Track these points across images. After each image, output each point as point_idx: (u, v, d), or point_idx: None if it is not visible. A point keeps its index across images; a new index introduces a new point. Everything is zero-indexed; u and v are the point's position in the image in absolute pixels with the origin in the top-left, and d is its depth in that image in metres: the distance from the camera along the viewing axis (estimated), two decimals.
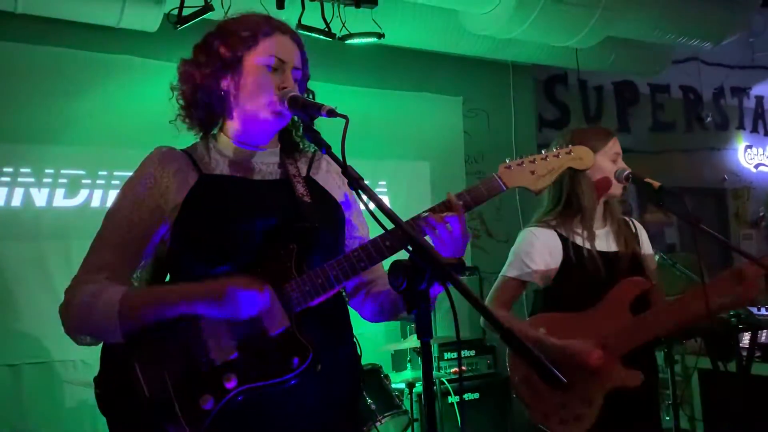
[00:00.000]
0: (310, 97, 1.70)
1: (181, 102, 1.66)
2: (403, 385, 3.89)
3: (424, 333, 1.19)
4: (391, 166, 5.16)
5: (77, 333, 1.52)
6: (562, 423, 2.20)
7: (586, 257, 2.29)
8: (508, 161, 1.63)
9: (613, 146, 2.35)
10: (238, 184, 1.60)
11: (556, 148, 1.68)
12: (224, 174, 1.61)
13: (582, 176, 2.26)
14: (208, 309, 1.43)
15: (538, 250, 2.31)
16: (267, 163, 1.66)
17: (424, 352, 1.21)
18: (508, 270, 2.35)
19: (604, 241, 2.36)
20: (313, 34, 3.84)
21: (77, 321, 1.50)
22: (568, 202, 2.33)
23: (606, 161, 2.32)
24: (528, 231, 2.37)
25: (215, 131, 1.68)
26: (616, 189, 2.35)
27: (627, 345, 2.21)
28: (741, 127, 7.75)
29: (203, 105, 1.62)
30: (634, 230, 2.46)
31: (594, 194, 2.32)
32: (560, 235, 2.32)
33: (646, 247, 2.49)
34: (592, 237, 2.32)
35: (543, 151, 1.65)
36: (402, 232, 1.24)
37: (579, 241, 2.32)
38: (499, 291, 2.35)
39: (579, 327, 2.22)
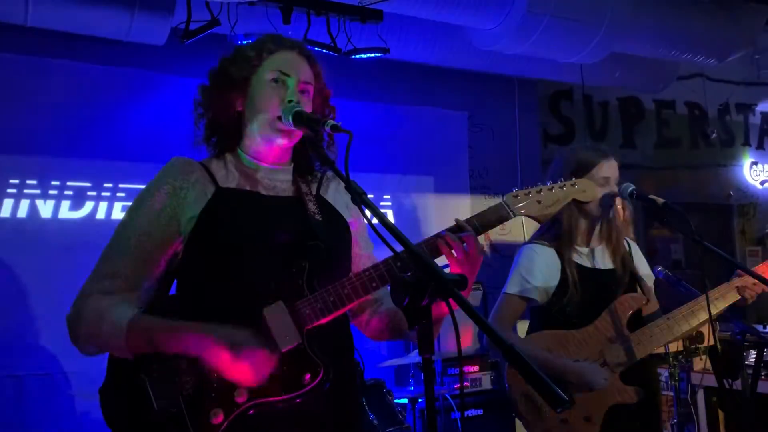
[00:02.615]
0: (332, 114, 1.72)
1: (200, 125, 1.69)
2: (405, 401, 3.87)
3: (426, 349, 1.19)
4: (395, 180, 5.17)
5: (83, 344, 1.53)
6: None
7: (584, 275, 2.32)
8: (515, 190, 1.68)
9: (600, 170, 2.36)
10: (253, 200, 1.62)
11: (561, 179, 1.72)
12: (240, 188, 1.62)
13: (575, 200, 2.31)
14: (217, 363, 1.43)
15: (539, 266, 2.34)
16: (281, 180, 1.68)
17: (426, 368, 1.21)
18: (510, 287, 2.37)
19: (601, 259, 2.40)
20: (318, 49, 3.87)
21: (85, 333, 1.51)
22: (558, 223, 2.36)
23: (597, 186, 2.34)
24: (528, 248, 2.40)
25: (231, 148, 1.70)
26: (606, 212, 2.37)
27: (626, 361, 2.24)
28: (746, 143, 7.73)
29: (220, 126, 1.66)
30: (628, 248, 2.49)
31: (574, 217, 2.34)
32: (558, 253, 2.35)
33: (641, 264, 2.52)
34: (590, 255, 2.36)
35: (548, 182, 1.71)
36: (405, 248, 1.25)
37: (576, 258, 2.34)
38: (501, 308, 2.36)
39: (578, 344, 2.26)
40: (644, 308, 2.41)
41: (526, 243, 2.45)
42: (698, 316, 2.34)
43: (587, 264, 2.35)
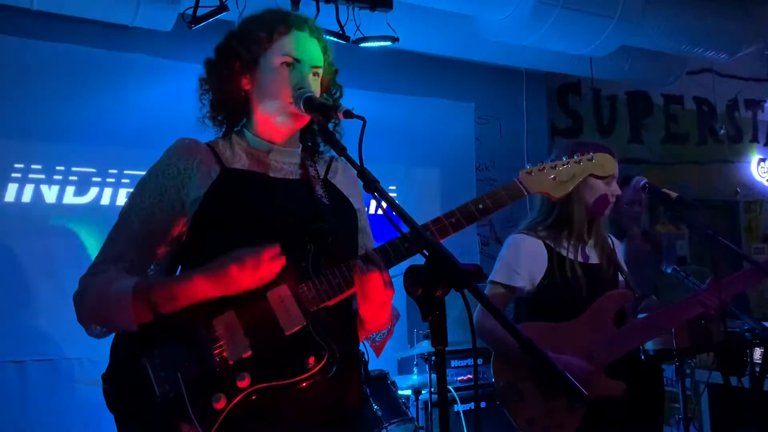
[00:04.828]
0: (337, 93, 1.70)
1: (205, 101, 1.66)
2: (409, 392, 3.86)
3: (439, 341, 1.17)
4: (401, 171, 5.13)
5: (90, 321, 1.51)
6: (545, 430, 2.23)
7: (570, 269, 2.32)
8: (529, 167, 1.62)
9: None
10: (259, 181, 1.59)
11: (578, 155, 1.67)
12: (246, 169, 1.60)
13: (575, 195, 2.29)
14: (216, 285, 1.42)
15: (525, 256, 2.35)
16: (288, 162, 1.66)
17: (438, 360, 1.18)
18: (496, 275, 2.37)
19: (588, 254, 2.40)
20: (327, 37, 3.82)
21: (91, 307, 1.49)
22: (559, 215, 2.35)
23: (600, 182, 2.32)
24: (515, 237, 2.41)
25: (238, 128, 1.68)
26: (605, 208, 2.38)
27: (611, 356, 2.26)
28: (755, 140, 7.68)
29: (226, 104, 1.64)
30: (612, 246, 2.49)
31: (584, 213, 2.34)
32: (546, 245, 2.35)
33: (621, 262, 2.53)
34: (578, 250, 2.35)
35: (564, 158, 1.64)
36: (419, 237, 1.22)
37: (564, 251, 2.35)
38: (488, 297, 2.35)
39: (564, 337, 2.27)
40: (642, 305, 2.44)
41: (514, 232, 2.44)
42: (685, 313, 2.35)
43: (574, 257, 2.35)
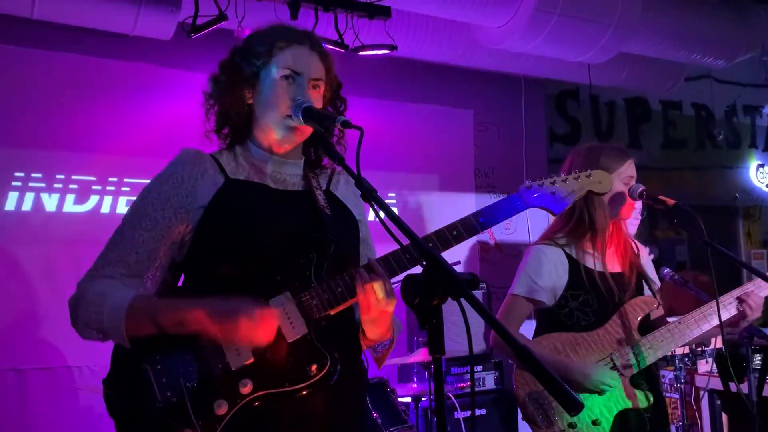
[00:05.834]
0: (342, 106, 1.72)
1: (210, 116, 1.68)
2: (408, 399, 3.86)
3: (436, 349, 1.18)
4: (400, 178, 5.15)
5: (83, 327, 1.51)
6: None
7: (593, 278, 2.28)
8: (528, 181, 1.66)
9: (627, 169, 2.33)
10: (262, 192, 1.61)
11: (576, 171, 1.70)
12: (249, 180, 1.62)
13: (596, 198, 2.27)
14: (213, 329, 1.42)
15: (546, 267, 2.30)
16: (291, 174, 1.68)
17: (436, 368, 1.19)
18: (517, 288, 2.33)
19: (610, 262, 2.35)
20: (326, 45, 3.84)
21: (84, 319, 1.50)
22: (579, 221, 2.32)
23: (618, 184, 2.29)
24: (536, 248, 2.35)
25: (242, 140, 1.70)
26: (627, 212, 2.34)
27: (636, 365, 2.22)
28: (753, 145, 7.70)
29: (230, 118, 1.66)
30: (636, 251, 2.45)
31: (607, 216, 2.31)
32: (567, 254, 2.31)
33: (648, 267, 2.48)
34: (599, 257, 2.31)
35: (562, 173, 1.69)
36: (415, 246, 1.23)
37: (585, 260, 2.31)
38: (507, 309, 2.33)
39: (588, 347, 2.24)
40: (654, 312, 2.38)
41: (534, 243, 2.41)
42: (710, 321, 2.31)
43: (596, 266, 2.32)
